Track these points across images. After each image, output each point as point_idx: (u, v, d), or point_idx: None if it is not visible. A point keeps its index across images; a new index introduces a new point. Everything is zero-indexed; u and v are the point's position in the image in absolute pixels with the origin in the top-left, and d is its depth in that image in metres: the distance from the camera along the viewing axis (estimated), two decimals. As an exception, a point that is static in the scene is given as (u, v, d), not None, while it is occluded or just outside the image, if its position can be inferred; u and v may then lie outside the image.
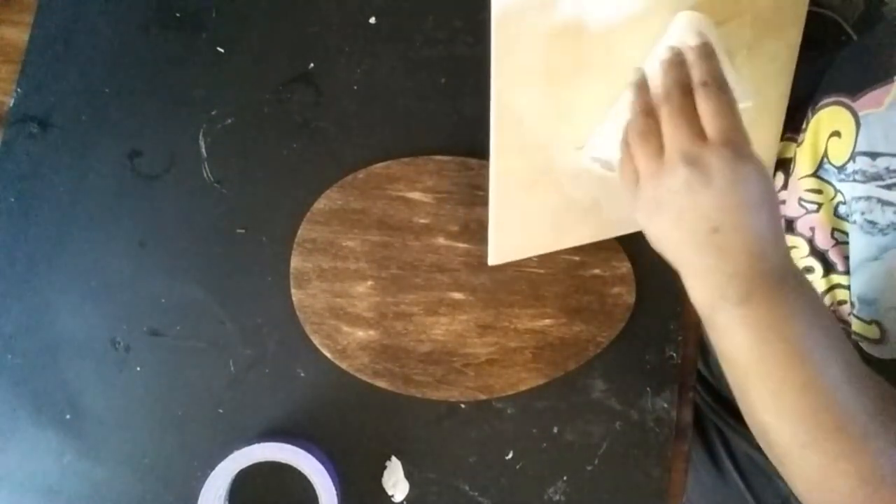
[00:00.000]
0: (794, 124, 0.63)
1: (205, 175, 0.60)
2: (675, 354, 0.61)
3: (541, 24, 0.50)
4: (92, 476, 0.58)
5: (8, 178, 0.59)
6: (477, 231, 0.60)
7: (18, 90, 0.59)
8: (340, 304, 0.59)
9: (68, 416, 0.58)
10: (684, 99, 0.49)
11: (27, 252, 0.58)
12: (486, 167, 0.59)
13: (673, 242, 0.49)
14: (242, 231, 0.59)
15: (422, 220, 0.59)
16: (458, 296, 0.59)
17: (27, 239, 0.58)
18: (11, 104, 0.59)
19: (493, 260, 0.58)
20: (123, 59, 0.60)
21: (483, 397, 0.59)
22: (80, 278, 0.58)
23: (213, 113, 0.60)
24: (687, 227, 0.48)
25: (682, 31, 0.50)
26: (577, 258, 0.60)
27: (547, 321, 0.60)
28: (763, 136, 0.61)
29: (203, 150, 0.60)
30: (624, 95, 0.52)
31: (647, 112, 0.50)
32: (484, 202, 0.59)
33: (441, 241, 0.59)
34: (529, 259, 0.60)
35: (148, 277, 0.59)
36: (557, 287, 0.60)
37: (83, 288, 0.58)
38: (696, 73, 0.49)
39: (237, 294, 0.59)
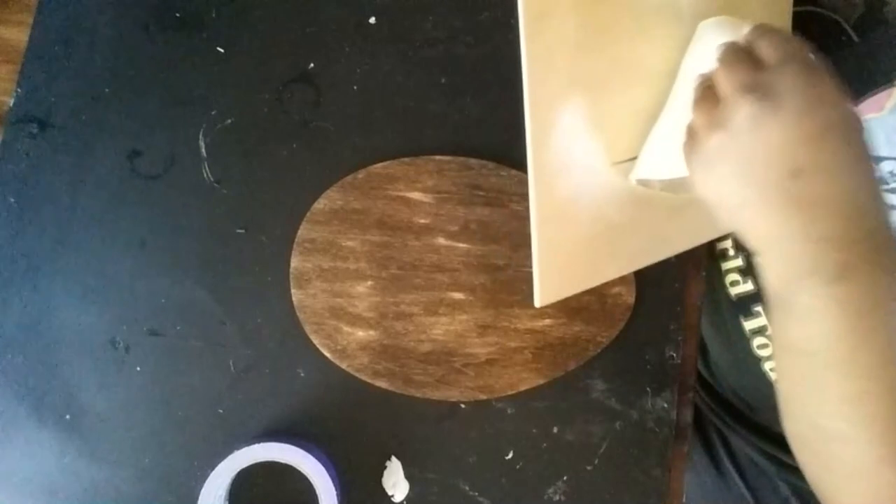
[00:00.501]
0: None
1: (205, 175, 0.60)
2: (675, 354, 0.60)
3: (568, 31, 0.47)
4: (92, 476, 0.57)
5: (8, 179, 0.59)
6: (477, 231, 0.60)
7: (18, 90, 0.59)
8: (340, 304, 0.59)
9: (68, 416, 0.58)
10: (739, 52, 0.42)
11: (27, 252, 0.58)
12: (486, 167, 0.60)
13: (740, 200, 0.40)
14: (242, 231, 0.59)
15: (422, 220, 0.59)
16: (458, 296, 0.59)
17: (27, 239, 0.58)
18: (11, 104, 0.59)
19: (540, 301, 0.53)
20: (123, 59, 0.60)
21: (483, 397, 0.59)
22: (79, 278, 0.58)
23: (212, 113, 0.60)
24: (757, 174, 0.38)
25: (715, 35, 0.47)
26: (577, 258, 0.60)
27: (547, 321, 0.60)
28: None
29: (203, 150, 0.60)
30: (668, 110, 0.49)
31: (707, 87, 0.44)
32: (484, 202, 0.59)
33: (441, 241, 0.59)
34: (529, 259, 0.59)
35: (148, 277, 0.59)
36: (557, 287, 0.60)
37: (83, 288, 0.58)
38: (750, 37, 0.43)
39: (237, 294, 0.59)
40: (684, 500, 0.61)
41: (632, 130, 0.52)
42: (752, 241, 0.40)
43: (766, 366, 0.67)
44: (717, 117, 0.41)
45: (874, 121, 0.56)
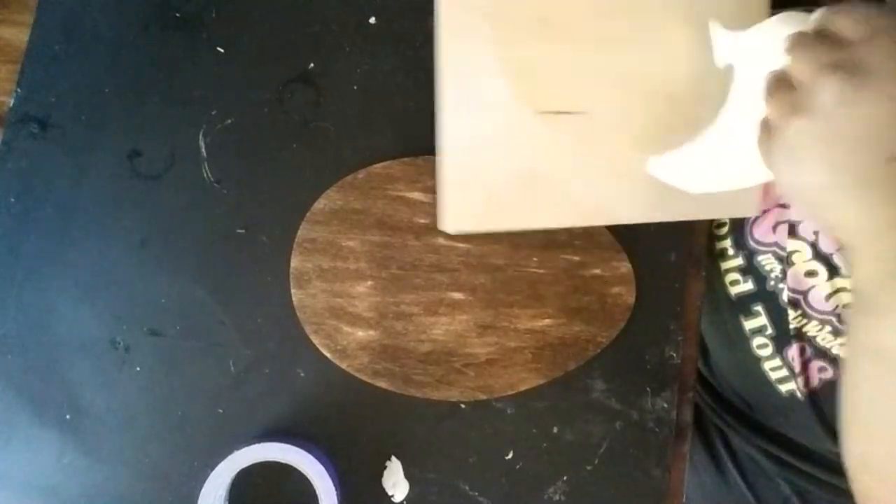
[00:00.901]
0: None
1: (205, 175, 0.60)
2: (674, 354, 0.60)
3: None
4: (92, 476, 0.57)
5: (8, 178, 0.59)
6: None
7: (18, 90, 0.59)
8: (340, 304, 0.59)
9: (68, 416, 0.58)
10: (813, 35, 0.38)
11: (27, 252, 0.58)
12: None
13: (829, 189, 0.36)
14: (242, 231, 0.59)
15: (422, 220, 0.59)
16: (457, 296, 0.59)
17: (27, 239, 0.58)
18: (11, 104, 0.59)
19: (448, 226, 0.54)
20: (123, 58, 0.60)
21: (483, 397, 0.59)
22: (79, 278, 0.58)
23: (212, 113, 0.60)
24: (849, 159, 0.35)
25: (779, 31, 0.43)
26: (577, 258, 0.60)
27: (547, 321, 0.60)
28: None
29: (203, 150, 0.60)
30: (716, 124, 0.48)
31: (779, 79, 0.39)
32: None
33: (441, 241, 0.59)
34: (529, 259, 0.59)
35: (148, 277, 0.59)
36: (557, 287, 0.60)
37: (83, 288, 0.58)
38: (823, 18, 0.38)
39: (237, 294, 0.59)
40: (684, 499, 0.61)
41: (558, 84, 0.52)
42: (843, 234, 0.37)
43: (766, 365, 0.67)
44: (797, 102, 0.37)
45: None
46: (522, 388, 0.59)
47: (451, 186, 0.54)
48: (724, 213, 0.61)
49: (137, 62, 0.60)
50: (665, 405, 0.60)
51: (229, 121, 0.60)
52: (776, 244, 0.63)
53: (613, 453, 0.60)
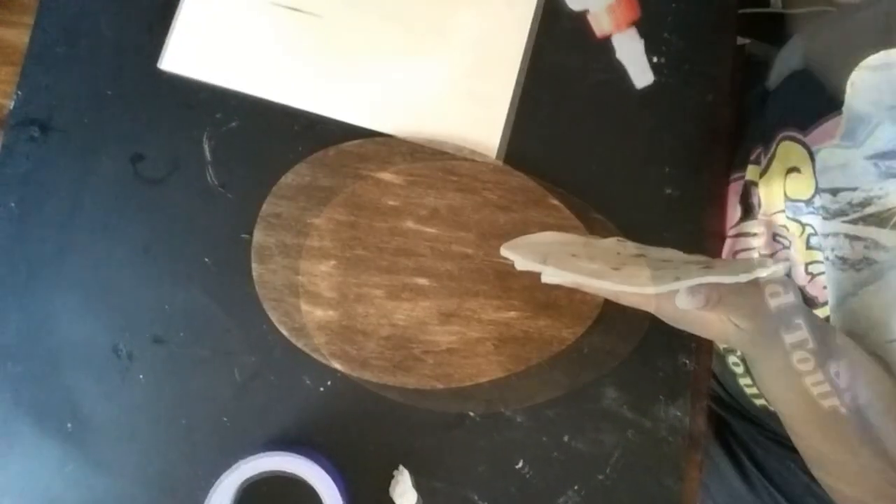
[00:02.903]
0: (756, 150, 0.61)
1: (209, 179, 0.59)
2: (688, 362, 0.59)
3: None
4: (94, 486, 0.57)
5: (9, 183, 0.58)
6: (446, 217, 0.58)
7: (19, 93, 0.59)
8: (301, 281, 0.57)
9: (70, 426, 0.57)
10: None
11: (28, 258, 0.58)
12: (461, 151, 0.59)
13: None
14: (247, 236, 0.59)
15: (391, 202, 0.58)
16: (422, 281, 0.58)
17: (28, 244, 0.58)
18: (12, 107, 0.59)
19: (164, 64, 0.59)
20: (125, 61, 0.59)
21: (440, 386, 0.57)
22: (81, 284, 0.58)
23: (217, 116, 0.59)
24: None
25: None
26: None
27: (512, 313, 0.58)
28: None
29: (207, 154, 0.59)
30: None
31: None
32: (456, 188, 0.59)
33: (409, 224, 0.58)
34: (497, 249, 0.57)
35: (151, 283, 0.58)
36: (525, 280, 0.58)
37: (85, 294, 0.58)
38: None
39: (242, 300, 0.58)
40: None
41: None
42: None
43: (807, 381, 0.64)
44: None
45: (826, 151, 0.54)
46: (482, 379, 0.57)
47: (181, 26, 0.58)
48: (467, 143, 0.60)
49: (140, 64, 0.59)
50: (678, 413, 0.59)
51: (233, 124, 0.59)
52: None
53: (626, 463, 0.58)
